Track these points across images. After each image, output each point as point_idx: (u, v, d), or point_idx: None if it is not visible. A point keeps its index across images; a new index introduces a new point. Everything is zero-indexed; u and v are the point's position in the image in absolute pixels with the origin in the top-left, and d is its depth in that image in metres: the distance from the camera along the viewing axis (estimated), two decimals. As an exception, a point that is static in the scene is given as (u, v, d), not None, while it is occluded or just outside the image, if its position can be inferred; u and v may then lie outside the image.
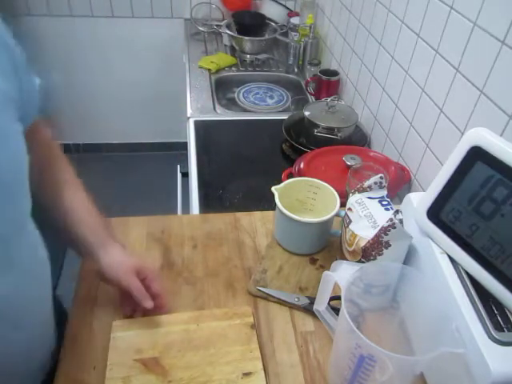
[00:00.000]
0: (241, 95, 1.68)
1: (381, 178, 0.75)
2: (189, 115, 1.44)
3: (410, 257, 0.70)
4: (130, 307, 0.68)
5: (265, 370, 0.62)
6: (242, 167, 1.23)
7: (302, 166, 1.10)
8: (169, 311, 0.68)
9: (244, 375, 0.59)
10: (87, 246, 0.65)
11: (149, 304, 0.63)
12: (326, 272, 0.60)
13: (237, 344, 0.63)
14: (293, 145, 1.25)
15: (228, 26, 1.90)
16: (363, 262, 0.69)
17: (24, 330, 0.56)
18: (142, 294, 0.63)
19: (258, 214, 0.93)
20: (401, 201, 0.77)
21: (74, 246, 0.66)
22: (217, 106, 1.52)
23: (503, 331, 0.53)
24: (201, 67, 1.74)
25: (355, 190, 0.76)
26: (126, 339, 0.63)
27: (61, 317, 0.70)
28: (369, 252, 0.68)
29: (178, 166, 1.47)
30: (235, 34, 1.85)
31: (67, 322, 0.70)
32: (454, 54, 0.89)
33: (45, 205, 0.63)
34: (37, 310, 0.59)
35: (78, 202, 0.66)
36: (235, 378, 0.59)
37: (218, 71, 1.74)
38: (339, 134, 1.25)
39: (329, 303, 0.64)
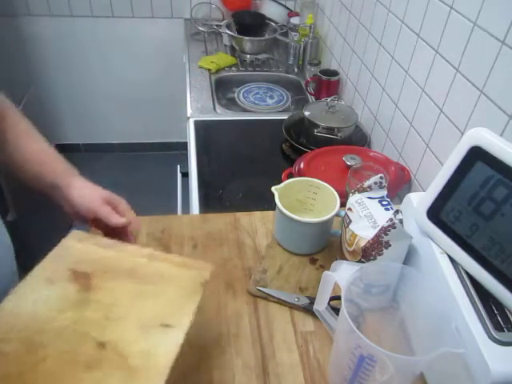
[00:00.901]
0: (241, 95, 1.67)
1: (381, 178, 0.75)
2: (189, 115, 1.44)
3: (410, 257, 0.70)
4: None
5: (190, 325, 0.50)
6: (242, 167, 1.23)
7: (302, 166, 1.10)
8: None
9: (162, 326, 0.49)
10: (54, 187, 0.66)
11: (121, 221, 0.65)
12: (325, 272, 0.60)
13: (177, 290, 0.53)
14: (293, 145, 1.25)
15: (228, 26, 1.90)
16: (363, 262, 0.69)
17: None
18: (116, 217, 0.65)
19: (258, 214, 0.93)
20: (401, 201, 0.77)
21: (42, 190, 0.68)
22: (217, 106, 1.52)
23: (503, 331, 0.53)
24: (201, 67, 1.74)
25: (355, 190, 0.76)
26: (71, 249, 0.59)
27: None
28: (369, 252, 0.68)
29: (178, 166, 1.47)
30: (235, 34, 1.85)
31: None
32: (454, 54, 0.89)
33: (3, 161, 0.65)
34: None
35: (34, 147, 0.67)
36: (150, 325, 0.49)
37: (217, 71, 1.74)
38: (339, 134, 1.25)
39: (329, 303, 0.64)
